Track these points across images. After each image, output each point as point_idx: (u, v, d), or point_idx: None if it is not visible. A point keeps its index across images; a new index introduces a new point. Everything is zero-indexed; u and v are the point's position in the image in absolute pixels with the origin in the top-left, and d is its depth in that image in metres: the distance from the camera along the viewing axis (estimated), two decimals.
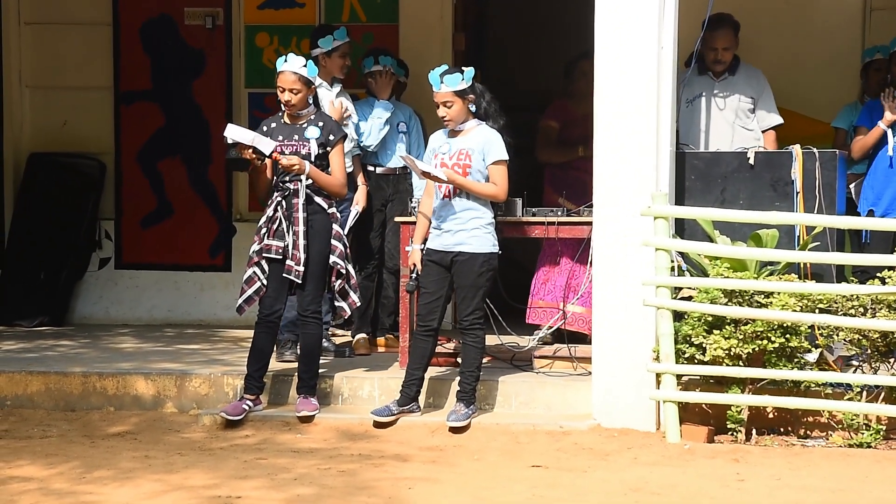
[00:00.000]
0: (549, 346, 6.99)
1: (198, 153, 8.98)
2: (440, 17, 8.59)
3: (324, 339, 7.30)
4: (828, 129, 7.69)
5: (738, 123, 7.05)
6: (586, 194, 6.56)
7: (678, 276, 6.11)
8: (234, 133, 6.31)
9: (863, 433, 5.78)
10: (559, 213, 6.88)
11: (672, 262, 6.08)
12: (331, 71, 7.28)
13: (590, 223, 6.47)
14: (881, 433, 5.78)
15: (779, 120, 7.15)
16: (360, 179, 7.44)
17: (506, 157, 6.27)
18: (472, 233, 6.22)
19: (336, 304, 6.56)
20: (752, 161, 6.51)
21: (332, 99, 7.23)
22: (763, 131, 7.13)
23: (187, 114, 9.00)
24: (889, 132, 6.94)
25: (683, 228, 6.42)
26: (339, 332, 8.10)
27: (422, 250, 6.37)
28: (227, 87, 8.94)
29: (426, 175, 6.25)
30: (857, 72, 8.00)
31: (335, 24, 7.80)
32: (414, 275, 6.39)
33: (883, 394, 5.80)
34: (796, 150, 6.46)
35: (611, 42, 6.17)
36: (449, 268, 6.27)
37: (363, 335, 7.57)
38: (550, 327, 7.02)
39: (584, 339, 6.92)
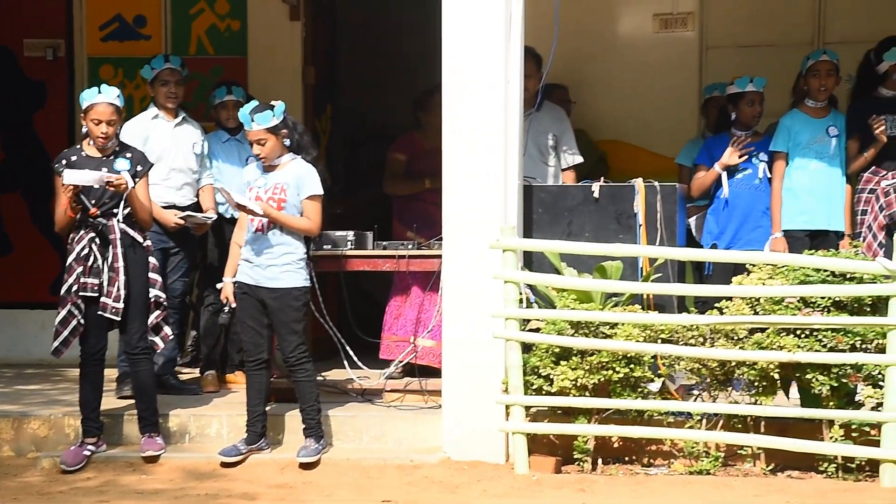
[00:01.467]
0: (400, 380, 6.99)
1: (39, 188, 8.71)
2: (290, 50, 8.56)
3: (170, 377, 7.17)
4: (671, 163, 7.90)
5: (539, 159, 7.22)
6: (435, 226, 6.60)
7: (526, 308, 6.18)
8: (74, 178, 6.11)
9: (702, 460, 5.91)
10: (410, 247, 6.90)
11: (520, 294, 6.14)
12: (158, 100, 7.17)
13: (440, 256, 6.49)
14: (720, 460, 5.91)
15: (579, 159, 7.36)
16: (210, 203, 7.30)
17: (320, 191, 6.28)
18: (283, 268, 6.19)
19: (150, 338, 6.40)
20: (596, 194, 6.64)
21: (171, 130, 7.11)
22: (563, 169, 7.33)
23: (28, 147, 8.75)
24: (724, 175, 7.17)
25: (532, 261, 6.50)
26: (187, 369, 7.94)
27: (235, 283, 6.32)
28: (69, 119, 8.72)
29: (240, 207, 6.20)
30: (698, 108, 8.27)
31: (184, 56, 7.67)
32: (227, 308, 6.34)
33: (721, 421, 5.94)
34: (638, 183, 6.61)
35: (458, 76, 6.22)
36: (262, 301, 6.22)
37: (212, 372, 7.44)
38: (401, 361, 7.03)
39: (435, 372, 6.93)
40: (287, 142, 6.27)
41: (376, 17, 9.97)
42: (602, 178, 6.77)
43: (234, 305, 6.32)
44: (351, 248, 6.91)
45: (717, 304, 6.03)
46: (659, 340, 5.97)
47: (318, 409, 6.27)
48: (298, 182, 6.24)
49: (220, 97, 7.50)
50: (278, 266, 6.19)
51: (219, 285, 6.52)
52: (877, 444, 5.64)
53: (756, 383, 5.86)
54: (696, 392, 6.13)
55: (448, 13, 6.21)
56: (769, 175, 7.15)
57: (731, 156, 7.12)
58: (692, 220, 7.51)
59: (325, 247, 6.86)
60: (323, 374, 7.16)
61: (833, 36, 8.20)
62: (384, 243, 6.99)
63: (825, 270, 5.83)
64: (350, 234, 6.94)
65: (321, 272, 6.69)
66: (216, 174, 7.40)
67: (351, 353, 6.80)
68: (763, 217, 7.18)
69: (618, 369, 5.95)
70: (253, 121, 6.19)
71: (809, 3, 8.38)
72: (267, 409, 6.38)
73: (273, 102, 6.28)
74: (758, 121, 7.25)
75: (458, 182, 6.23)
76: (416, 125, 7.65)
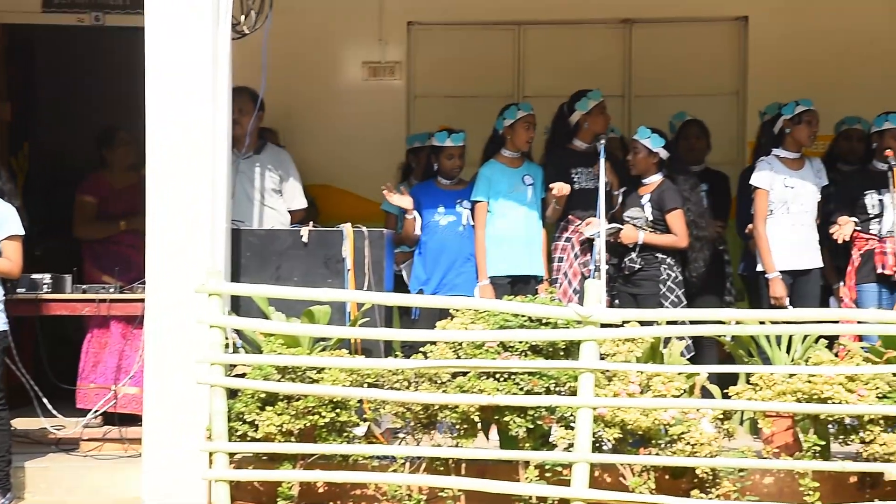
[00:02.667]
0: (99, 429, 6.74)
1: None
2: None
3: None
4: (378, 208, 8.03)
5: (263, 202, 7.21)
6: (134, 270, 6.44)
7: (233, 353, 6.10)
8: None
9: (406, 503, 5.99)
10: (111, 290, 6.69)
11: (227, 339, 6.05)
12: None
13: (143, 300, 6.31)
14: (422, 502, 6.01)
15: (304, 203, 7.38)
16: None
17: (21, 231, 6.09)
18: None
19: None
20: (305, 239, 6.65)
21: None
22: (291, 212, 7.34)
23: None
24: (416, 216, 7.36)
25: (239, 305, 6.43)
26: None
27: None
28: None
29: None
30: (405, 154, 8.45)
31: None
32: None
33: (424, 464, 6.03)
34: (347, 228, 6.67)
35: (162, 116, 6.09)
36: None
37: None
38: (97, 411, 6.78)
39: (139, 420, 6.72)
40: None
41: (80, 55, 9.61)
42: (311, 223, 6.80)
43: None
44: (48, 292, 6.63)
45: (422, 349, 6.15)
46: (365, 385, 6.02)
47: (8, 460, 5.98)
48: None
49: None
50: None
51: None
52: (568, 483, 5.87)
53: (458, 426, 5.98)
54: (401, 435, 6.21)
55: (151, 56, 6.10)
56: (472, 222, 7.40)
57: (399, 199, 7.30)
58: (403, 266, 7.65)
59: (19, 290, 6.55)
60: (13, 423, 6.79)
61: (531, 90, 8.62)
62: (84, 287, 6.75)
63: (524, 315, 6.06)
64: (47, 277, 6.68)
65: (17, 316, 6.38)
66: None
67: (45, 401, 6.49)
68: (468, 262, 7.40)
69: (324, 414, 5.95)
70: None
71: (509, 60, 8.79)
72: None
73: None
74: (459, 171, 7.50)
75: (161, 226, 6.09)
76: (101, 164, 7.45)
